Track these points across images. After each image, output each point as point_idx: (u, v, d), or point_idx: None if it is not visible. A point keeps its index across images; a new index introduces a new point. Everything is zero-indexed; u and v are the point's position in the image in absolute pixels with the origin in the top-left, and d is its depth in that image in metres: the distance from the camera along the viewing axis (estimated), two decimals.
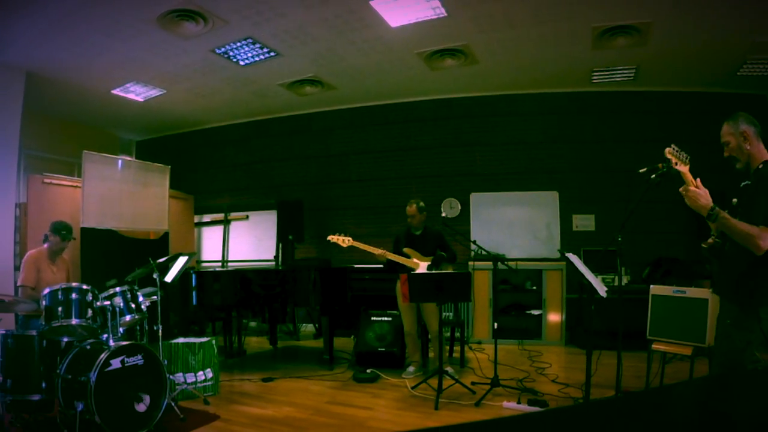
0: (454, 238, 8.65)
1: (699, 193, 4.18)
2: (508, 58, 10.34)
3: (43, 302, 5.73)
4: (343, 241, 8.13)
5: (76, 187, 10.66)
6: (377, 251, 8.02)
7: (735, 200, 4.41)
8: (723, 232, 4.27)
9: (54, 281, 7.02)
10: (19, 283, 7.05)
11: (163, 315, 6.83)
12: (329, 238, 8.23)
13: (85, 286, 5.90)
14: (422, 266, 8.07)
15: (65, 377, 5.46)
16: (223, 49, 9.78)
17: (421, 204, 8.41)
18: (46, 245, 7.29)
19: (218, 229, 14.96)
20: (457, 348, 9.62)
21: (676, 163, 4.36)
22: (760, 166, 4.25)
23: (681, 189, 4.25)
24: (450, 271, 8.01)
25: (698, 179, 4.31)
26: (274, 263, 13.48)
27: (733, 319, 4.21)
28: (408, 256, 8.15)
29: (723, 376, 4.13)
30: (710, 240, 4.54)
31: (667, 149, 4.37)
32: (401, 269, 8.15)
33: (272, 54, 10.04)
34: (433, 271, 7.82)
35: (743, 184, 4.36)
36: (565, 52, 10.03)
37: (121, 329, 6.11)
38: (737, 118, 4.37)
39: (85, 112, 13.23)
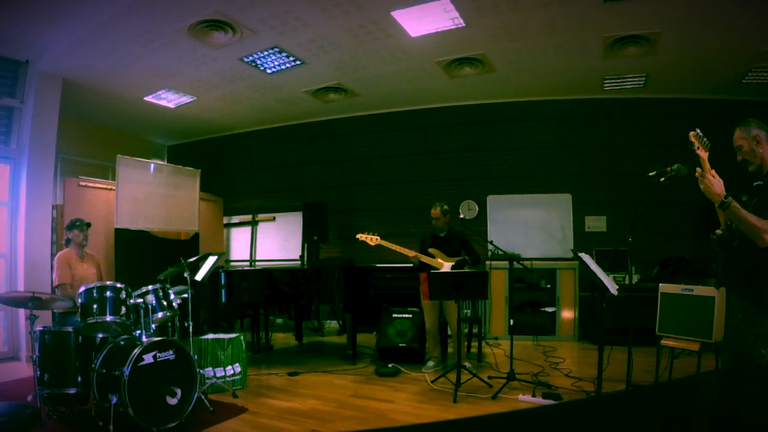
0: (472, 239, 8.60)
1: (714, 182, 4.16)
2: (524, 66, 10.30)
3: (79, 300, 5.76)
4: (371, 239, 8.12)
5: (111, 189, 10.70)
6: (410, 253, 8.01)
7: (745, 197, 4.37)
8: (730, 228, 4.24)
9: (86, 276, 7.08)
10: (57, 283, 7.07)
11: (193, 312, 6.84)
12: (358, 236, 8.22)
13: (119, 285, 5.92)
14: (446, 266, 8.03)
15: (100, 372, 5.47)
16: (251, 58, 9.78)
17: (446, 207, 8.38)
18: (70, 246, 7.32)
19: (246, 230, 14.99)
20: (474, 344, 9.62)
21: (698, 147, 4.32)
22: None
23: (697, 173, 4.21)
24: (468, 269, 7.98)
25: (713, 170, 4.29)
26: (299, 262, 13.49)
27: (743, 313, 4.18)
28: (433, 256, 8.13)
29: (733, 370, 4.09)
30: (718, 231, 4.51)
31: (692, 132, 4.33)
32: (427, 268, 8.13)
33: (298, 62, 10.03)
34: (452, 270, 7.79)
35: (756, 183, 4.33)
36: (578, 61, 9.98)
37: (153, 326, 6.10)
38: (749, 123, 4.36)
39: (119, 118, 13.28)
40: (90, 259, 7.52)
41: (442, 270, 7.92)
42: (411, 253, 8.01)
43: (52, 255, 9.69)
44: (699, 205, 10.65)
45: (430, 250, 8.21)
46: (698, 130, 4.32)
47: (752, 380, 2.65)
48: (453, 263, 8.07)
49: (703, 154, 4.30)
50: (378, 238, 8.11)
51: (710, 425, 1.65)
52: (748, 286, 4.18)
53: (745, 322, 4.16)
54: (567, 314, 11.00)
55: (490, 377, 7.45)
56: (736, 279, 4.30)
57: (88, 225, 7.51)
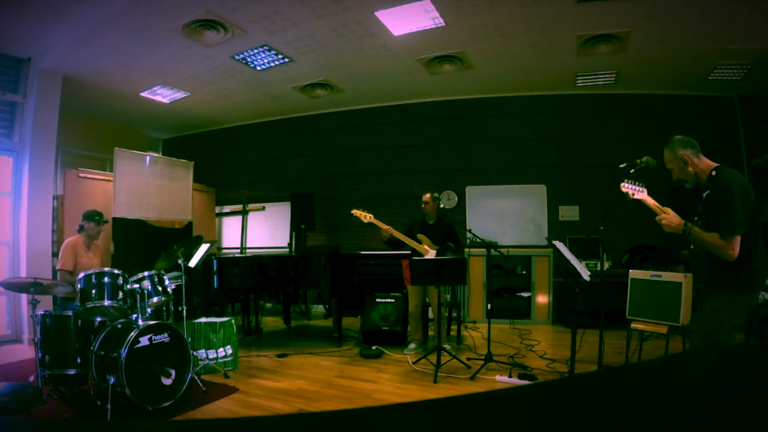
0: (458, 229, 8.64)
1: (670, 218, 4.28)
2: (501, 63, 10.32)
3: (79, 285, 5.77)
4: (365, 216, 8.10)
5: (109, 180, 10.69)
6: (384, 226, 8.02)
7: (700, 207, 4.42)
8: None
9: (89, 266, 7.02)
10: (58, 267, 7.07)
11: (187, 297, 6.88)
12: (353, 211, 8.22)
13: (116, 271, 5.92)
14: (431, 253, 8.07)
15: (98, 353, 5.48)
16: (241, 56, 9.78)
17: (436, 194, 8.42)
18: (81, 234, 7.30)
19: (237, 219, 14.99)
20: (454, 327, 9.65)
21: (633, 194, 4.43)
22: (713, 173, 4.26)
23: (656, 218, 4.39)
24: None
25: (666, 207, 4.38)
26: (287, 250, 13.54)
27: (724, 302, 4.21)
28: (420, 242, 8.16)
29: (698, 351, 4.12)
30: (686, 252, 4.59)
31: (622, 185, 4.51)
32: (400, 247, 8.22)
33: (286, 60, 10.03)
34: (433, 257, 7.80)
35: (705, 194, 4.37)
36: (552, 59, 10.01)
37: (149, 310, 6.15)
38: (673, 145, 4.41)
39: (117, 113, 13.25)
40: (96, 248, 7.51)
41: (426, 256, 7.95)
42: (384, 227, 8.04)
43: (53, 243, 9.73)
44: (667, 195, 10.72)
45: (419, 236, 8.24)
46: (627, 181, 4.50)
47: (723, 362, 2.68)
48: (436, 250, 8.10)
49: (642, 196, 4.43)
50: (371, 216, 8.09)
51: (678, 404, 1.68)
52: (731, 280, 4.20)
53: (725, 311, 4.19)
54: (542, 299, 11.06)
55: (468, 359, 7.48)
56: (721, 276, 4.32)
57: (105, 221, 7.52)
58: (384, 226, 8.02)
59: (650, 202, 4.47)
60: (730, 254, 4.00)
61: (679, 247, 7.13)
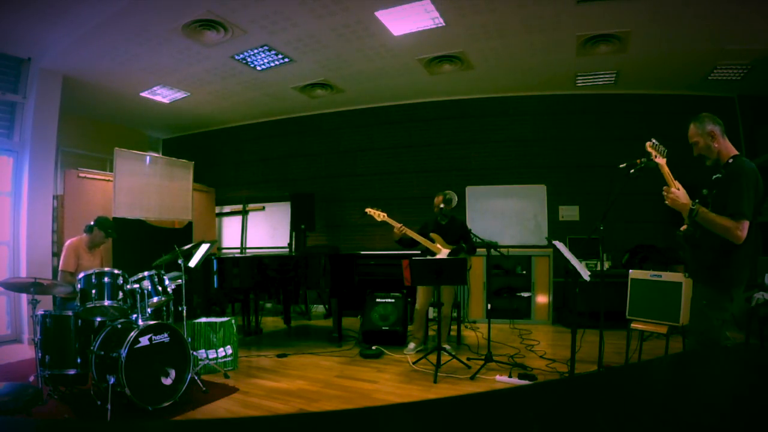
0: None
1: (679, 194, 4.24)
2: (501, 63, 10.32)
3: (79, 285, 5.76)
4: (378, 215, 8.13)
5: (109, 180, 10.71)
6: (397, 224, 8.03)
7: (705, 191, 4.41)
8: (695, 222, 4.27)
9: (91, 267, 6.99)
10: (60, 268, 7.10)
11: (187, 297, 6.87)
12: (366, 210, 8.28)
13: (116, 271, 5.91)
14: (444, 252, 8.08)
15: (98, 353, 5.48)
16: (241, 56, 9.78)
17: (448, 196, 8.42)
18: (86, 235, 7.29)
19: (237, 219, 15.00)
20: (454, 327, 9.61)
21: (656, 156, 4.40)
22: (730, 161, 4.27)
23: (663, 190, 4.31)
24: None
25: (677, 182, 4.34)
26: (287, 250, 13.54)
27: (708, 300, 4.23)
28: (433, 241, 8.16)
29: (698, 351, 4.13)
30: (683, 227, 4.55)
31: (648, 143, 4.45)
32: (413, 246, 8.24)
33: (286, 60, 10.03)
34: (433, 257, 7.80)
35: (714, 176, 4.36)
36: (552, 59, 10.01)
37: (149, 310, 6.14)
38: (702, 119, 4.39)
39: (117, 113, 13.25)
40: (96, 250, 7.52)
41: (439, 256, 7.96)
42: (397, 225, 8.03)
43: (53, 243, 9.72)
44: None
45: (432, 234, 8.25)
46: (654, 140, 4.41)
47: (717, 362, 2.69)
48: (450, 250, 8.11)
49: (661, 161, 4.39)
50: (385, 214, 8.13)
51: (678, 404, 1.68)
52: (713, 274, 4.23)
53: (710, 308, 4.21)
54: (542, 299, 11.06)
55: (468, 359, 7.48)
56: (703, 270, 4.33)
57: (115, 236, 7.56)
58: (397, 225, 8.02)
59: (666, 170, 4.43)
60: (738, 235, 4.00)
61: (680, 247, 7.15)
